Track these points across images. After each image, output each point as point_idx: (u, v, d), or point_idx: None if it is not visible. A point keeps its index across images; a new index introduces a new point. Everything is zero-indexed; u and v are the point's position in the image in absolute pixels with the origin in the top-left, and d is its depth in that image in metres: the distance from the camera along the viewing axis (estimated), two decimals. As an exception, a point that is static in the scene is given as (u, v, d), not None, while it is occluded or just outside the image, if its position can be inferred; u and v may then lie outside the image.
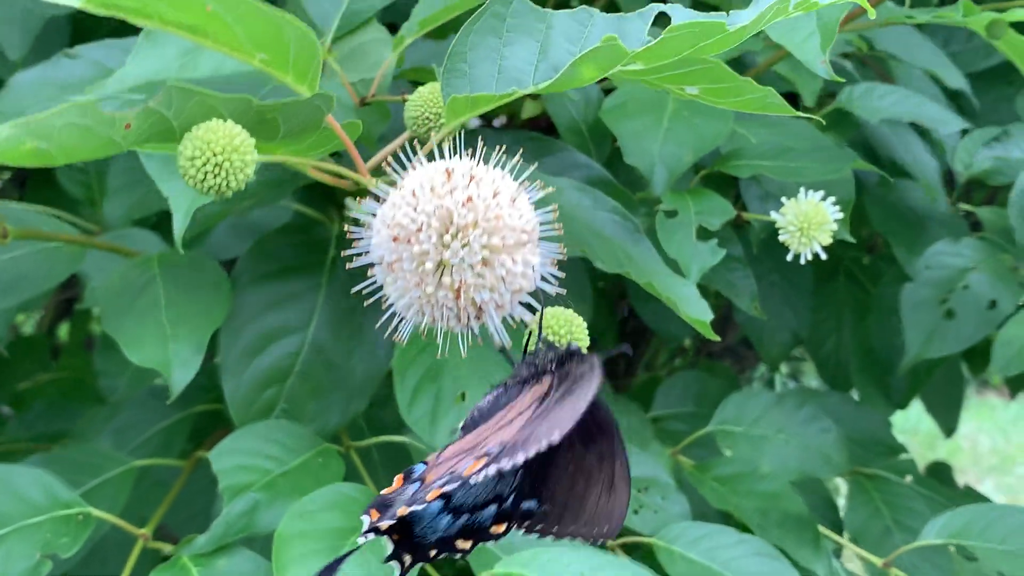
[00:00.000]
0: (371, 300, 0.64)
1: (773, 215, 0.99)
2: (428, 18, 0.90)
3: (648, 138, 1.09)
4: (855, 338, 1.60)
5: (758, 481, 1.19)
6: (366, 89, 0.95)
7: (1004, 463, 5.46)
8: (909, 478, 1.47)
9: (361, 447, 1.08)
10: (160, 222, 1.26)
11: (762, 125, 1.23)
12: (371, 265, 0.64)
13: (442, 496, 0.61)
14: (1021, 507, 1.12)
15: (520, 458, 0.54)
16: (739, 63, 1.31)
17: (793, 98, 1.40)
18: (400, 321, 0.64)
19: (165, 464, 1.17)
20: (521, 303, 0.64)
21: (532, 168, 0.64)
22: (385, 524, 0.59)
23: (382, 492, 0.62)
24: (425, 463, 0.63)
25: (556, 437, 0.53)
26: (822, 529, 1.14)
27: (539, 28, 0.71)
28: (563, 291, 0.66)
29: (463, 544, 0.63)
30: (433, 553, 0.63)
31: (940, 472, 2.00)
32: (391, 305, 0.64)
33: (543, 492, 0.65)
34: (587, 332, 0.69)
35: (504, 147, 0.64)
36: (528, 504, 0.65)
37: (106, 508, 0.98)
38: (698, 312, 0.79)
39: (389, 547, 0.61)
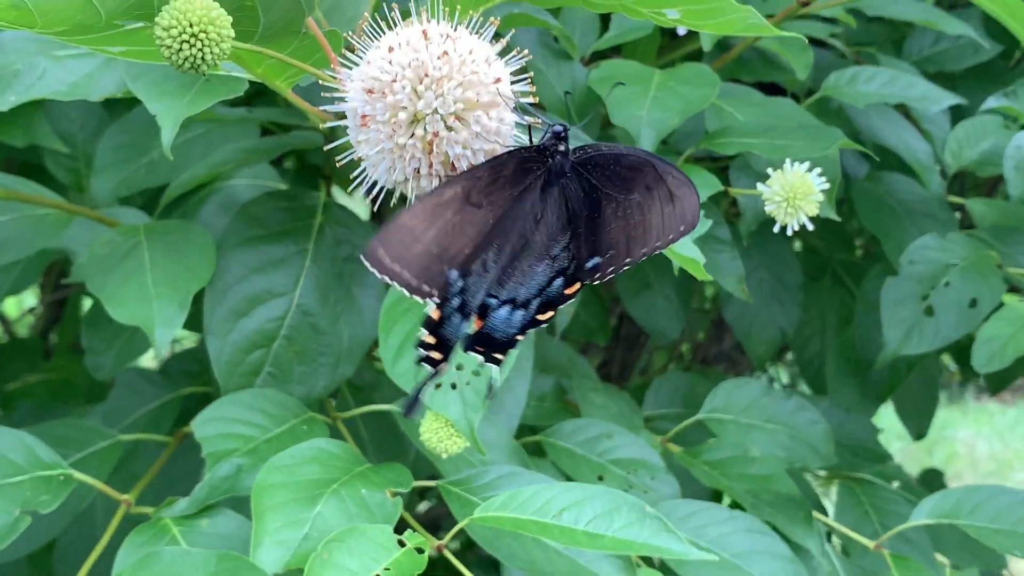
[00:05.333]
0: (343, 160, 0.64)
1: (759, 187, 0.99)
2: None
3: (635, 104, 1.10)
4: (837, 339, 1.59)
5: (748, 464, 1.18)
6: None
7: (1001, 469, 5.43)
8: (896, 483, 1.47)
9: (348, 418, 1.08)
10: (147, 203, 1.26)
11: (748, 104, 1.23)
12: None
13: (504, 303, 0.67)
14: (1010, 488, 1.12)
15: None
16: (722, 45, 1.31)
17: (778, 90, 1.41)
18: (373, 184, 0.64)
19: (152, 440, 1.17)
20: None
21: (511, 34, 0.65)
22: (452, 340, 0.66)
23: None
24: None
25: None
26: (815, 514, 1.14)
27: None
28: None
29: (544, 317, 0.68)
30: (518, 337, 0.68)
31: (932, 480, 1.99)
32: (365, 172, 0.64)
33: (600, 245, 0.67)
34: None
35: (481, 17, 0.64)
36: (593, 260, 0.67)
37: (92, 477, 0.98)
38: (687, 251, 0.79)
39: (481, 358, 0.67)
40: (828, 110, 1.34)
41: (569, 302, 0.69)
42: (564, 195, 0.66)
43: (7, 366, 1.68)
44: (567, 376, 1.32)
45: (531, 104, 0.65)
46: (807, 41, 1.14)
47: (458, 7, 0.64)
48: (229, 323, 0.99)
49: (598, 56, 1.27)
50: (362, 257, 0.61)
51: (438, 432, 0.89)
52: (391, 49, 0.61)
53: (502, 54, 0.64)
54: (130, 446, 1.14)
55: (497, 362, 0.68)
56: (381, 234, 0.61)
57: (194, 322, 1.02)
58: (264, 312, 1.00)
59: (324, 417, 1.01)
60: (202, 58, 0.59)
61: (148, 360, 1.34)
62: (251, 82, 0.79)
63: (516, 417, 1.05)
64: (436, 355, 0.66)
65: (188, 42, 0.59)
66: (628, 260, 0.67)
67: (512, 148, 0.64)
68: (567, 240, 0.67)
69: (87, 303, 1.94)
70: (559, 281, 0.68)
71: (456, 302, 0.65)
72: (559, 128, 0.65)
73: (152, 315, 0.94)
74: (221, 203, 1.20)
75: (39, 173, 1.31)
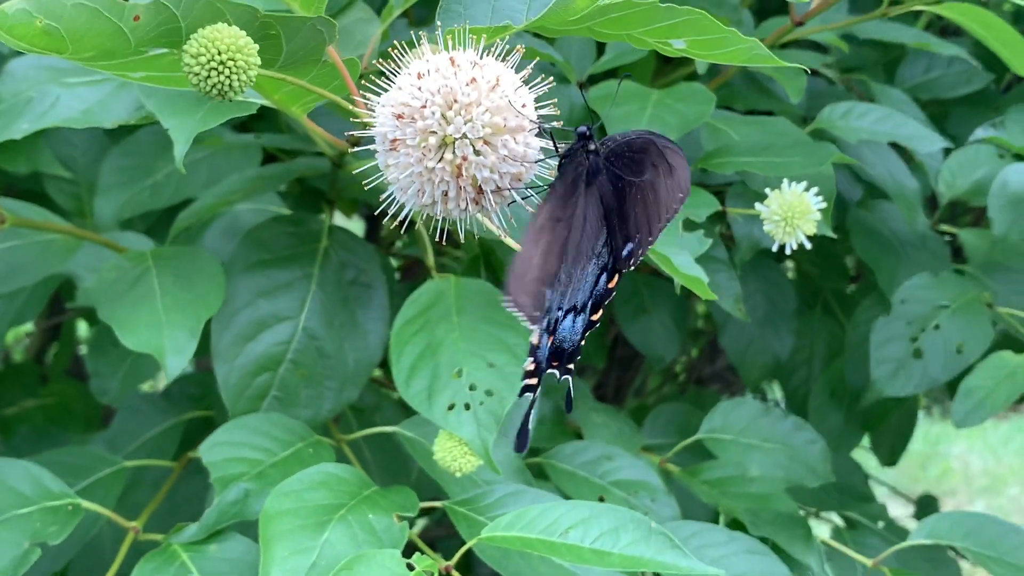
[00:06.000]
0: (370, 184, 0.66)
1: (757, 207, 1.00)
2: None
3: (633, 121, 1.12)
4: (824, 370, 1.60)
5: (748, 483, 1.20)
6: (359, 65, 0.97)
7: (995, 484, 5.42)
8: (881, 524, 1.50)
9: (351, 440, 1.08)
10: (150, 228, 1.27)
11: (743, 123, 1.25)
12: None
13: (567, 312, 0.68)
14: (999, 519, 1.14)
15: None
16: (714, 69, 1.33)
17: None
18: (399, 206, 0.66)
19: (156, 465, 1.17)
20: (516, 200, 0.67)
21: (532, 63, 0.66)
22: (543, 363, 0.68)
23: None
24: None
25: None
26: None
27: (532, -29, 0.73)
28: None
29: (596, 317, 0.70)
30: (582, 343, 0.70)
31: (926, 505, 2.01)
32: (392, 195, 0.66)
33: (630, 231, 0.68)
34: None
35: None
36: (627, 247, 0.69)
37: (98, 505, 0.98)
38: (693, 276, 0.80)
39: (557, 373, 0.69)
40: (822, 140, 1.35)
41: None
42: (599, 192, 0.67)
43: (4, 391, 1.68)
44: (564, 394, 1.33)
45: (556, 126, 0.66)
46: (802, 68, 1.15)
47: (481, 37, 0.65)
48: (236, 347, 1.00)
49: (594, 80, 1.28)
50: (504, 303, 0.62)
51: (452, 451, 0.90)
52: (420, 76, 0.63)
53: (526, 79, 0.65)
54: (134, 471, 1.14)
55: (571, 372, 0.70)
56: (511, 274, 0.63)
57: (198, 346, 1.03)
58: (270, 336, 1.01)
59: (329, 440, 1.01)
60: (229, 85, 0.60)
61: (146, 384, 1.34)
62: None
63: (528, 434, 1.06)
64: (533, 381, 0.68)
65: (216, 69, 0.60)
66: (650, 238, 0.69)
67: (559, 157, 0.66)
68: (605, 235, 0.68)
69: (83, 327, 1.94)
70: (603, 277, 0.69)
71: (545, 323, 0.66)
72: (583, 128, 0.66)
73: (163, 342, 0.95)
74: (225, 227, 1.21)
75: (41, 199, 1.31)
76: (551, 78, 0.67)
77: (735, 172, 1.17)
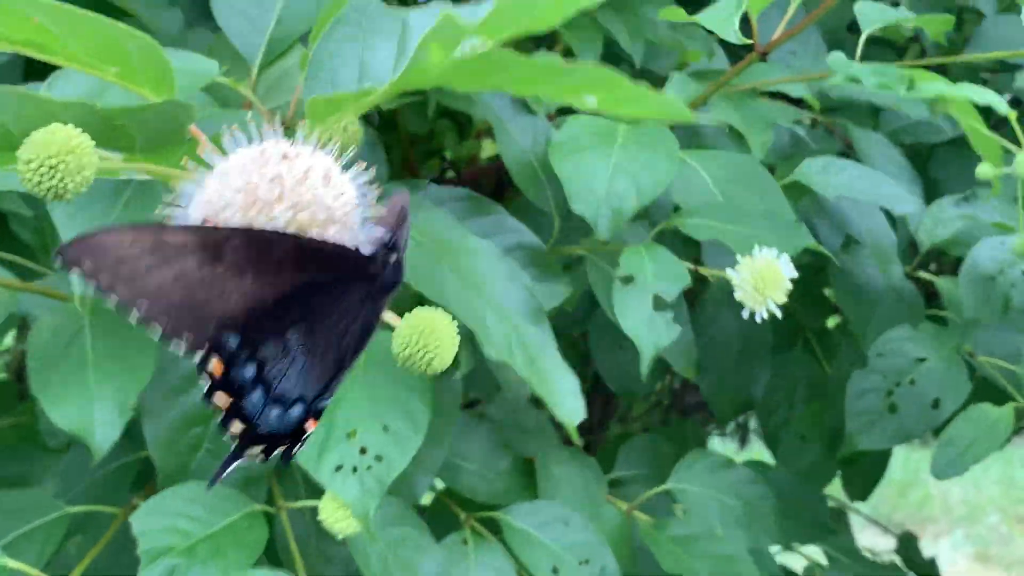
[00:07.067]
0: None
1: (728, 272, 0.98)
2: (311, 30, 0.85)
3: (595, 174, 1.07)
4: (805, 409, 1.59)
5: (714, 543, 1.19)
6: (287, 112, 0.95)
7: (974, 513, 5.44)
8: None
9: (295, 508, 1.06)
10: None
11: (712, 160, 1.22)
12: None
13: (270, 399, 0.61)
14: None
15: None
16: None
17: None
18: None
19: (103, 511, 1.16)
20: None
21: (356, 144, 0.62)
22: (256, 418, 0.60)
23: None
24: None
25: None
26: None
27: (395, 28, 0.71)
28: None
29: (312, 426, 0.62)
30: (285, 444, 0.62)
31: (907, 544, 2.00)
32: None
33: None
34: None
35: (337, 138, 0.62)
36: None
37: (35, 556, 0.97)
38: (568, 413, 0.77)
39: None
40: (798, 186, 1.32)
41: None
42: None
43: (-20, 411, 1.66)
44: (534, 439, 1.31)
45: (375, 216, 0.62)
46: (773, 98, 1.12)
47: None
48: (167, 402, 0.98)
49: (564, 112, 1.25)
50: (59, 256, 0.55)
51: (335, 513, 0.89)
52: (226, 173, 0.59)
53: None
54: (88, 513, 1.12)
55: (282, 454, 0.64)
56: (83, 242, 0.55)
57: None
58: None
59: (268, 508, 1.00)
60: (64, 188, 0.58)
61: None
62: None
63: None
64: (236, 427, 0.61)
65: (48, 174, 0.58)
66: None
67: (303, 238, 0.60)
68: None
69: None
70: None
71: (248, 373, 0.60)
72: (387, 238, 0.61)
73: (92, 419, 0.93)
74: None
75: (3, 233, 1.30)
76: (373, 167, 0.62)
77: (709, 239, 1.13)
